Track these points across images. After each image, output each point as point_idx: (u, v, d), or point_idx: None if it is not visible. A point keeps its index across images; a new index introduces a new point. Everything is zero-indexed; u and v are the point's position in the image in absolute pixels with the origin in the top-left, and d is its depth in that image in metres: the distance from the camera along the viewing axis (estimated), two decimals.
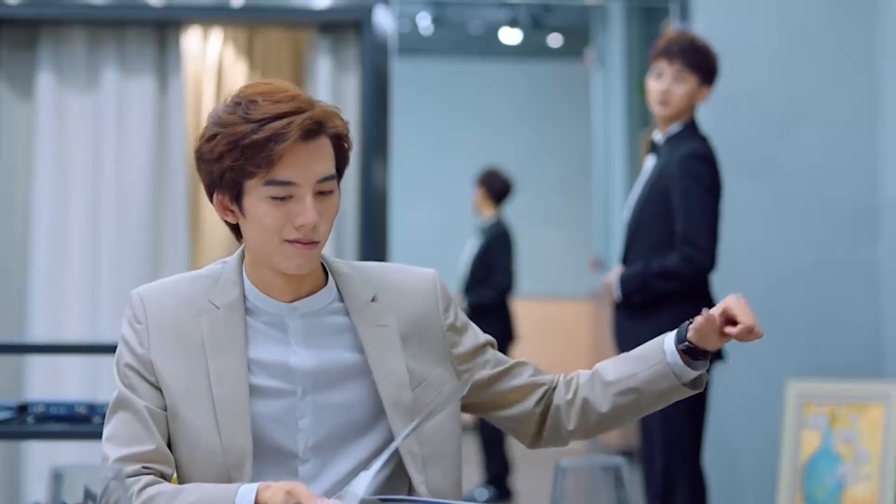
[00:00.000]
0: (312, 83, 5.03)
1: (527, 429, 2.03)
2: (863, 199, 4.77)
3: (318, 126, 1.81)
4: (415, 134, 9.54)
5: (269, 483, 1.74)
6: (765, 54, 4.81)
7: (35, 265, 4.85)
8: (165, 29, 5.01)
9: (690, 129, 3.79)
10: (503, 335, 6.33)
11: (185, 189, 4.95)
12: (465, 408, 2.00)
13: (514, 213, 7.34)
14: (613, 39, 8.77)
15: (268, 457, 1.85)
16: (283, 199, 1.81)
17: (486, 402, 2.00)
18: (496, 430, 6.58)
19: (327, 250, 1.93)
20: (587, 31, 9.31)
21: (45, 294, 4.83)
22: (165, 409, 1.84)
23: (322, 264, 1.95)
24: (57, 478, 1.26)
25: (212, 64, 5.18)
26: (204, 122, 1.88)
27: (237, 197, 1.83)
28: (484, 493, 6.37)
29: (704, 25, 4.73)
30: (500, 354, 2.02)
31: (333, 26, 5.03)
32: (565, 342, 9.18)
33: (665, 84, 3.76)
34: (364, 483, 1.74)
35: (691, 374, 1.93)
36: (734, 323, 1.87)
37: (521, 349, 6.05)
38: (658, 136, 3.84)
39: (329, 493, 1.84)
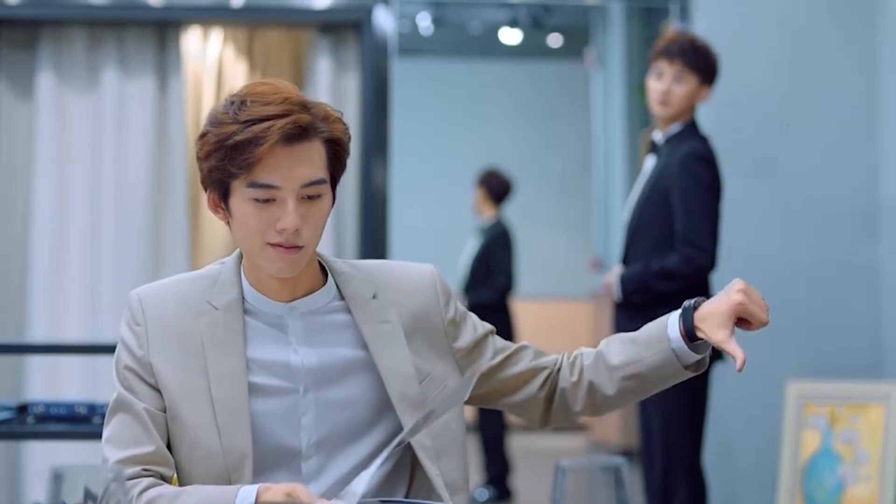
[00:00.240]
0: (312, 83, 5.03)
1: (533, 412, 2.03)
2: (862, 200, 4.77)
3: (303, 130, 1.79)
4: (415, 134, 9.55)
5: (268, 484, 1.74)
6: (765, 54, 4.81)
7: (35, 265, 4.85)
8: (165, 29, 5.01)
9: (691, 129, 3.79)
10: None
11: (185, 189, 4.95)
12: (469, 400, 1.99)
13: (514, 213, 7.34)
14: (613, 39, 8.77)
15: (270, 455, 1.85)
16: (265, 201, 1.80)
17: (490, 391, 2.00)
18: (496, 430, 6.60)
19: (327, 250, 1.93)
20: (587, 32, 9.31)
21: (45, 294, 4.83)
22: (165, 411, 1.84)
23: (321, 264, 1.95)
24: (57, 478, 1.26)
25: (212, 64, 5.18)
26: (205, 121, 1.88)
27: (225, 196, 1.84)
28: (484, 493, 6.37)
29: (704, 25, 4.73)
30: (500, 342, 2.02)
31: (333, 26, 5.03)
32: (565, 342, 9.16)
33: (665, 84, 3.76)
34: (364, 482, 1.75)
35: (694, 357, 1.93)
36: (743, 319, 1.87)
37: None
38: (658, 136, 3.84)
39: (332, 490, 1.84)
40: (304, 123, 1.79)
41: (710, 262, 3.63)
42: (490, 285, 6.42)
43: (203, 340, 1.86)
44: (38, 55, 4.95)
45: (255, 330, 1.88)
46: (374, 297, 1.93)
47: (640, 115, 8.23)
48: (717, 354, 3.65)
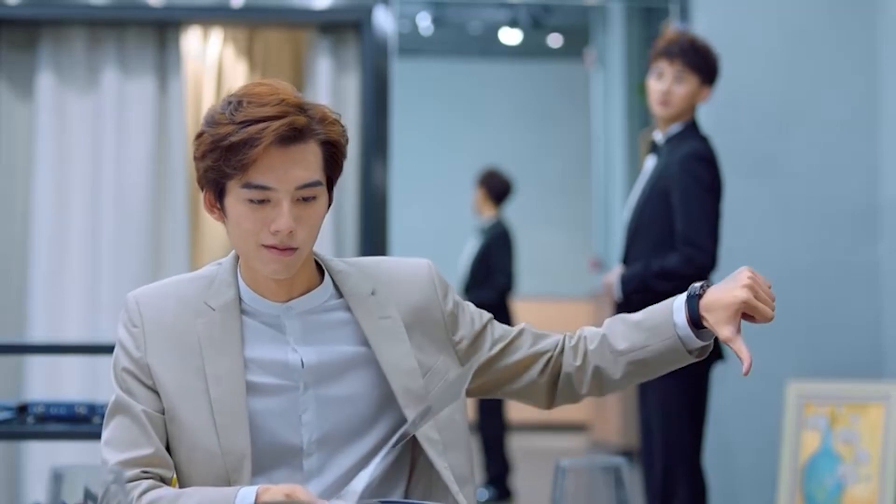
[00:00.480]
0: (312, 83, 5.03)
1: (536, 397, 2.02)
2: (863, 200, 4.77)
3: (298, 132, 1.79)
4: (415, 134, 9.55)
5: (268, 485, 1.74)
6: (765, 54, 4.81)
7: (35, 265, 4.85)
8: (165, 29, 5.01)
9: (691, 129, 3.79)
10: None
11: (185, 189, 4.95)
12: (470, 391, 1.99)
13: (515, 213, 7.34)
14: (613, 40, 8.77)
15: (272, 453, 1.85)
16: (260, 202, 1.80)
17: (490, 381, 2.00)
18: (496, 430, 6.60)
19: (327, 250, 1.93)
20: (587, 32, 9.31)
21: (45, 294, 4.84)
22: (163, 413, 1.84)
23: (317, 263, 1.94)
24: (57, 478, 1.26)
25: (212, 64, 5.18)
26: None
27: (220, 196, 1.84)
28: (484, 494, 6.37)
29: (704, 25, 4.73)
30: (498, 330, 2.01)
31: (333, 27, 5.04)
32: None
33: (666, 84, 3.76)
34: (364, 481, 1.75)
35: (698, 343, 1.93)
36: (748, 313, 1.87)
37: None
38: (658, 136, 3.84)
39: (334, 487, 1.85)
40: (299, 125, 1.79)
41: (710, 262, 3.63)
42: (490, 285, 6.42)
43: (200, 341, 1.86)
44: (38, 55, 4.95)
45: (252, 330, 1.88)
46: (372, 293, 1.93)
47: (640, 115, 8.23)
48: (718, 354, 3.66)
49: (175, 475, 1.85)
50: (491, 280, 6.44)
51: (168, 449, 1.84)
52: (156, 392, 1.85)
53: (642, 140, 7.52)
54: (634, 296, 3.67)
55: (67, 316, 4.85)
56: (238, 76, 5.17)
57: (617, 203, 8.50)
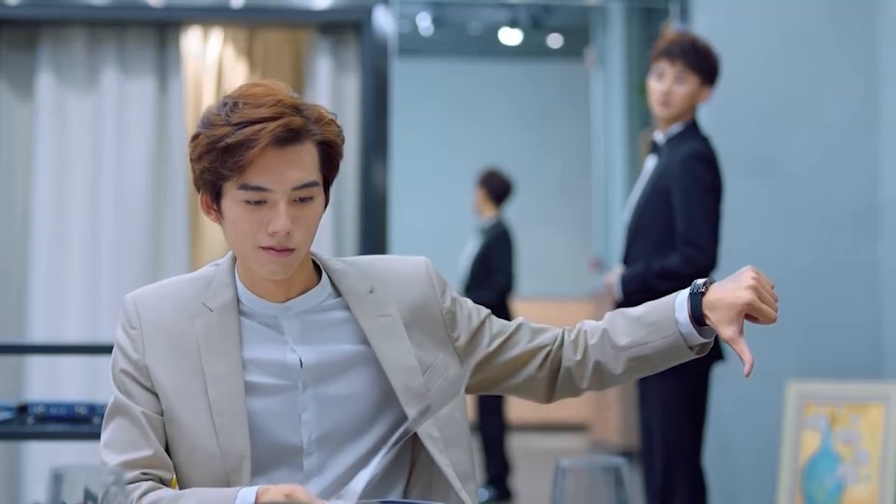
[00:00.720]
0: (312, 84, 5.03)
1: (536, 391, 2.02)
2: (863, 200, 4.77)
3: (294, 133, 1.79)
4: (415, 134, 9.55)
5: (268, 486, 1.74)
6: (765, 54, 4.81)
7: (35, 265, 4.85)
8: (165, 29, 5.01)
9: (692, 129, 3.79)
10: None
11: (185, 189, 4.95)
12: (468, 388, 1.99)
13: (515, 213, 7.34)
14: (613, 40, 8.77)
15: (272, 453, 1.85)
16: (257, 203, 1.80)
17: (489, 377, 2.00)
18: (496, 430, 6.60)
19: (327, 250, 1.93)
20: (587, 32, 9.31)
21: (45, 294, 4.83)
22: (162, 414, 1.84)
23: (315, 263, 1.94)
24: (57, 478, 1.26)
25: (212, 64, 5.18)
26: None
27: (217, 198, 1.84)
28: (484, 494, 6.37)
29: (704, 26, 4.73)
30: (496, 325, 2.01)
31: (333, 27, 5.03)
32: None
33: (667, 85, 3.76)
34: (363, 481, 1.75)
35: (700, 340, 1.93)
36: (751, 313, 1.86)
37: None
38: (659, 136, 3.84)
39: (334, 486, 1.85)
40: (295, 126, 1.79)
41: (710, 263, 3.63)
42: (490, 286, 6.42)
43: (199, 342, 1.86)
44: (38, 55, 4.95)
45: (250, 331, 1.88)
46: (370, 291, 1.93)
47: (640, 116, 8.23)
48: (718, 353, 3.66)
49: (175, 476, 1.85)
50: (491, 280, 6.44)
51: (167, 450, 1.84)
52: (154, 393, 1.85)
53: (642, 140, 7.52)
54: (635, 296, 3.67)
55: (67, 316, 4.85)
56: (238, 76, 5.17)
57: (617, 203, 8.50)
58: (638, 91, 7.91)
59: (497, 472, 6.51)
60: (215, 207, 1.85)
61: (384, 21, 4.92)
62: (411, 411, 1.85)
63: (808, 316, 4.69)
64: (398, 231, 5.38)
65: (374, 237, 4.87)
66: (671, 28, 4.97)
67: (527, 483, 6.64)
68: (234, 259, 1.92)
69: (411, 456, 1.93)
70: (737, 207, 4.45)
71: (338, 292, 1.93)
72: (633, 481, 4.15)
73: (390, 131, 4.95)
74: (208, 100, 5.15)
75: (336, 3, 4.96)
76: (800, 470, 4.45)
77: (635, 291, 3.67)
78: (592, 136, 9.32)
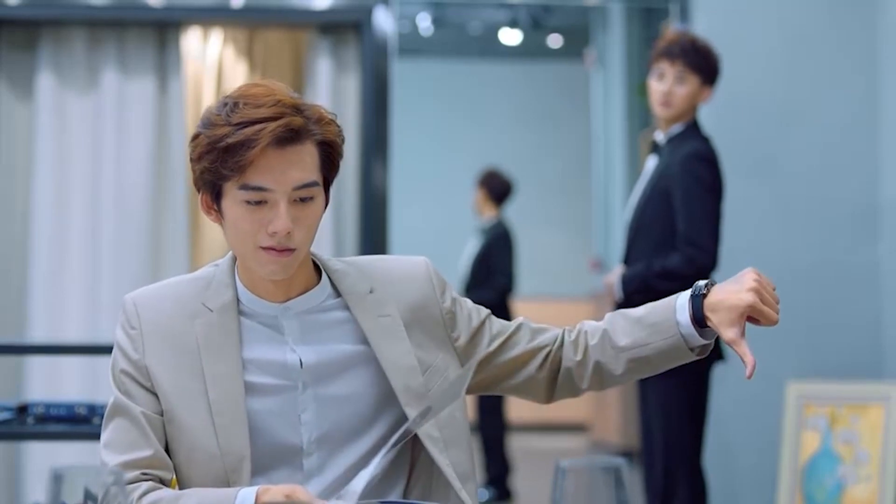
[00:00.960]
0: (312, 84, 5.03)
1: (536, 391, 2.02)
2: (863, 200, 4.77)
3: (295, 133, 1.79)
4: (415, 134, 9.55)
5: (268, 486, 1.74)
6: (765, 54, 4.81)
7: (35, 265, 4.85)
8: (165, 29, 5.01)
9: (692, 129, 3.79)
10: None
11: (185, 189, 4.95)
12: (468, 388, 1.99)
13: (515, 213, 7.34)
14: (613, 40, 8.77)
15: (272, 453, 1.85)
16: (257, 203, 1.80)
17: (489, 377, 2.00)
18: (496, 430, 6.60)
19: (327, 250, 1.93)
20: (587, 32, 9.31)
21: (45, 294, 4.84)
22: (162, 414, 1.84)
23: (315, 263, 1.94)
24: (57, 478, 1.25)
25: (212, 64, 5.18)
26: None
27: (217, 198, 1.84)
28: (484, 494, 6.37)
29: (704, 26, 4.73)
30: (496, 325, 2.01)
31: (333, 27, 5.04)
32: None
33: (667, 85, 3.77)
34: (363, 481, 1.75)
35: (700, 341, 1.93)
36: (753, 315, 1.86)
37: None
38: (660, 136, 3.84)
39: (334, 486, 1.85)
40: (296, 126, 1.79)
41: (711, 262, 3.63)
42: (491, 286, 6.42)
43: (198, 342, 1.86)
44: (38, 55, 4.95)
45: (250, 331, 1.88)
46: (370, 291, 1.93)
47: (640, 116, 8.23)
48: (719, 354, 3.66)
49: (174, 476, 1.85)
50: (491, 280, 6.44)
51: (167, 450, 1.84)
52: (154, 394, 1.85)
53: (643, 140, 7.52)
54: (636, 296, 3.67)
55: (67, 316, 4.85)
56: (238, 76, 5.17)
57: (617, 203, 8.50)
58: (638, 91, 7.91)
59: (497, 472, 6.52)
60: (215, 208, 1.85)
61: (384, 21, 4.93)
62: (411, 411, 1.85)
63: (808, 316, 4.69)
64: (398, 231, 5.38)
65: (374, 237, 4.87)
66: (671, 28, 4.97)
67: (527, 483, 6.64)
68: (234, 259, 1.92)
69: (411, 456, 1.93)
70: (737, 207, 4.45)
71: (338, 292, 1.93)
72: (633, 481, 4.15)
73: (390, 131, 4.95)
74: (208, 100, 5.15)
75: (336, 3, 4.96)
76: (800, 470, 4.45)
77: (636, 291, 3.67)
78: (592, 136, 9.32)
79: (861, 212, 4.77)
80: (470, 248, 6.73)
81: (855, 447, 4.39)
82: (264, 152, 1.77)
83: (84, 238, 4.90)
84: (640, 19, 8.52)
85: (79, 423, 3.27)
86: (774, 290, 1.89)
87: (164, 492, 1.79)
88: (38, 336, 4.78)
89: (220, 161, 1.79)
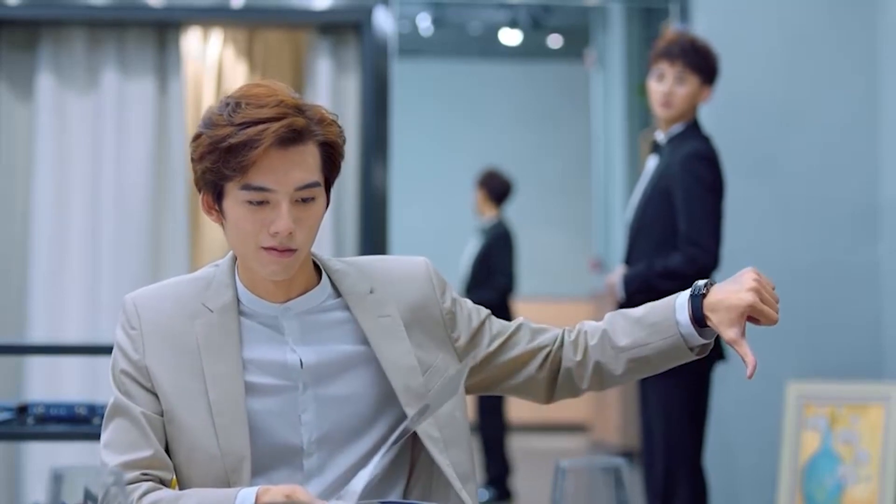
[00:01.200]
0: (312, 84, 5.03)
1: (535, 392, 2.02)
2: (863, 200, 4.77)
3: (297, 134, 1.79)
4: (415, 134, 9.54)
5: (268, 486, 1.74)
6: (765, 54, 4.81)
7: (35, 265, 4.85)
8: (165, 30, 5.01)
9: (693, 129, 3.79)
10: None
11: (185, 189, 4.95)
12: (468, 388, 1.99)
13: (515, 213, 7.34)
14: (613, 40, 8.77)
15: (272, 453, 1.85)
16: (259, 204, 1.79)
17: (489, 377, 2.00)
18: (496, 431, 6.60)
19: (327, 250, 1.93)
20: (587, 32, 9.31)
21: (45, 294, 4.83)
22: (162, 414, 1.84)
23: (315, 263, 1.94)
24: (57, 479, 1.25)
25: (212, 65, 5.18)
26: None
27: (218, 198, 1.84)
28: (484, 494, 6.37)
29: (704, 26, 4.73)
30: (496, 325, 2.01)
31: (333, 27, 5.03)
32: None
33: (667, 86, 3.77)
34: (363, 481, 1.75)
35: (700, 341, 1.93)
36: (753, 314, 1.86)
37: None
38: (660, 136, 3.84)
39: (334, 487, 1.85)
40: (298, 127, 1.79)
41: (713, 262, 3.64)
42: (491, 286, 6.42)
43: (199, 343, 1.86)
44: (38, 55, 4.95)
45: (250, 331, 1.88)
46: (370, 291, 1.93)
47: (640, 116, 8.23)
48: (719, 354, 3.66)
49: (175, 477, 1.85)
50: (492, 280, 6.44)
51: (167, 451, 1.84)
52: (154, 394, 1.85)
53: (643, 140, 7.52)
54: (637, 296, 3.67)
55: (67, 316, 4.85)
56: (238, 77, 5.17)
57: (617, 203, 8.50)
58: (638, 91, 7.91)
59: (497, 472, 6.51)
60: (217, 208, 1.85)
61: (384, 21, 4.92)
62: (411, 411, 1.85)
63: (808, 316, 4.69)
64: (398, 231, 5.38)
65: (374, 237, 4.87)
66: (671, 28, 4.97)
67: (527, 483, 6.64)
68: (234, 259, 1.92)
69: (411, 456, 1.93)
70: (737, 207, 4.45)
71: (338, 293, 1.93)
72: (633, 481, 4.15)
73: (390, 131, 4.95)
74: (208, 100, 5.15)
75: (336, 3, 4.96)
76: (800, 470, 4.45)
77: (637, 291, 3.67)
78: (592, 136, 9.32)
79: (861, 212, 4.77)
80: (470, 248, 6.73)
81: (855, 447, 4.39)
82: (267, 153, 1.77)
83: (84, 238, 4.90)
84: (640, 19, 8.52)
85: (79, 423, 3.27)
86: (774, 289, 1.88)
87: (164, 492, 1.79)
88: (38, 336, 4.78)
89: (222, 161, 1.79)
